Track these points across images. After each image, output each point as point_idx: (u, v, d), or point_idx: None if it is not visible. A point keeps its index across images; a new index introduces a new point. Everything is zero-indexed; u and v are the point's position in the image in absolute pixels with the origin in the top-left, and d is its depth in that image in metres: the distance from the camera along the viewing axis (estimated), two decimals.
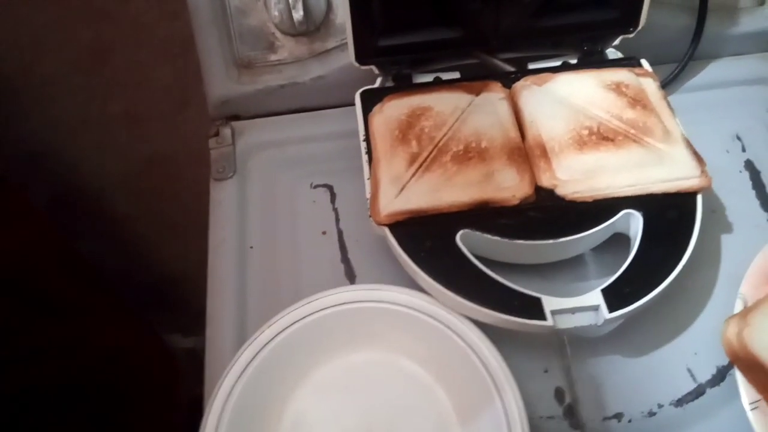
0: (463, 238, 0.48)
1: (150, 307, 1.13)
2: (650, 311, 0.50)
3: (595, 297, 0.45)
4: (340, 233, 0.57)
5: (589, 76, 0.56)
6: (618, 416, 0.47)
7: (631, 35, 0.59)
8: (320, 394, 0.48)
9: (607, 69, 0.57)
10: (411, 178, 0.51)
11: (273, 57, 0.63)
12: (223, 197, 0.61)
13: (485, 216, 0.49)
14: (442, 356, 0.47)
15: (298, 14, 0.59)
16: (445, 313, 0.47)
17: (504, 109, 0.55)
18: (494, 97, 0.56)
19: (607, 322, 0.45)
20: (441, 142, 0.53)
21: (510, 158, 0.51)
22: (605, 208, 0.49)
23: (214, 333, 0.54)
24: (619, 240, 0.51)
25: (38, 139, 0.93)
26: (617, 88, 0.55)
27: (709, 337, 0.49)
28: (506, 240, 0.48)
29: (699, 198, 0.50)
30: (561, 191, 0.50)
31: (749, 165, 0.60)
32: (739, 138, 0.62)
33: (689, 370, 0.49)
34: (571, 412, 0.47)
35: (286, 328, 0.48)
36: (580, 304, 0.45)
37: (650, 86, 0.56)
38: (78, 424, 0.82)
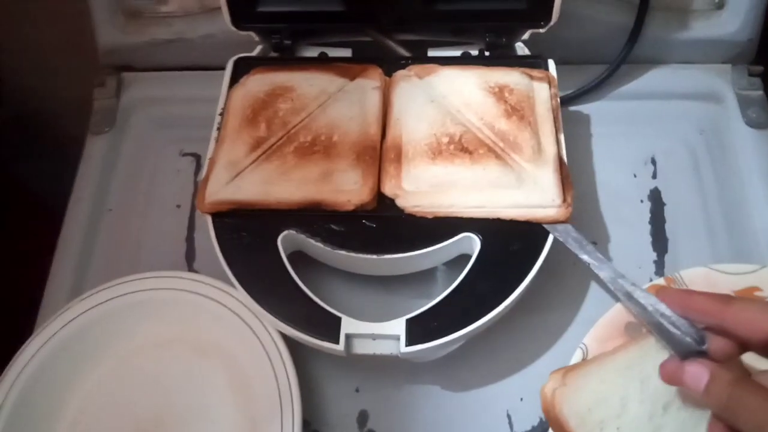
0: (285, 240, 0.45)
1: None
2: (486, 344, 0.46)
3: (397, 326, 0.41)
4: (192, 210, 0.55)
5: (475, 75, 0.50)
6: None
7: (542, 30, 0.52)
8: (112, 381, 0.46)
9: (499, 68, 0.50)
10: (249, 165, 0.47)
11: (162, 8, 0.59)
12: (94, 152, 0.59)
13: (315, 219, 0.45)
14: (241, 359, 0.45)
15: None
16: (252, 317, 0.45)
17: (374, 100, 0.50)
18: (369, 84, 0.51)
19: (407, 354, 0.41)
20: (293, 130, 0.48)
21: (358, 158, 0.47)
22: (446, 226, 0.44)
23: (51, 290, 0.52)
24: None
25: None
26: (500, 93, 0.49)
27: (540, 384, 0.45)
28: (328, 248, 0.44)
29: (550, 236, 0.44)
30: (402, 203, 0.45)
31: (654, 195, 0.53)
32: (653, 162, 0.55)
33: (509, 416, 0.45)
34: None
35: (81, 314, 0.46)
36: (380, 331, 0.41)
37: (542, 93, 0.49)
38: None
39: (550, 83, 0.50)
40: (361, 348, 0.42)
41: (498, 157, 0.46)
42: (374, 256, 0.44)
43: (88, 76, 0.87)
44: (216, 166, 0.47)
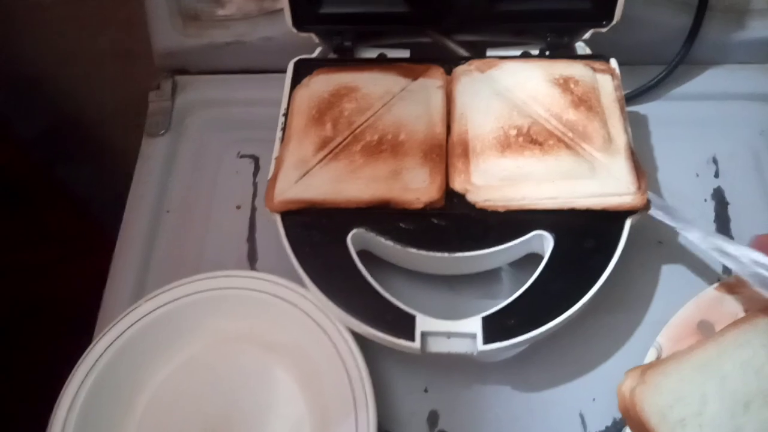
0: (355, 238, 0.45)
1: None
2: (556, 344, 0.46)
3: (473, 324, 0.41)
4: (253, 210, 0.55)
5: (538, 67, 0.50)
6: None
7: (604, 29, 0.52)
8: (181, 379, 0.46)
9: (561, 60, 0.50)
10: (317, 164, 0.47)
11: (221, 11, 0.60)
12: (151, 154, 0.59)
13: (384, 217, 0.45)
14: (311, 358, 0.45)
15: None
16: (322, 315, 0.45)
17: (438, 98, 0.50)
18: (432, 84, 0.51)
19: (484, 353, 0.41)
20: (359, 129, 0.48)
21: (425, 156, 0.47)
22: (518, 224, 0.44)
23: (112, 291, 0.52)
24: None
25: (32, 66, 0.93)
26: (565, 84, 0.49)
27: (613, 384, 0.44)
28: (399, 247, 0.44)
29: (627, 223, 0.44)
30: (472, 197, 0.45)
31: (718, 194, 0.53)
32: (715, 161, 0.55)
33: (581, 416, 0.44)
34: None
35: (149, 313, 0.46)
36: (456, 329, 0.41)
37: (606, 85, 0.49)
38: None
39: (612, 75, 0.50)
40: (437, 346, 0.41)
41: (569, 147, 0.46)
42: (445, 254, 0.44)
43: (132, 82, 0.88)
44: (284, 165, 0.47)
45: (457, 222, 0.45)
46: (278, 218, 0.46)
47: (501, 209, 0.44)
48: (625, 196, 0.44)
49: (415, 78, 0.51)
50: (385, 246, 0.45)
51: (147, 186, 0.57)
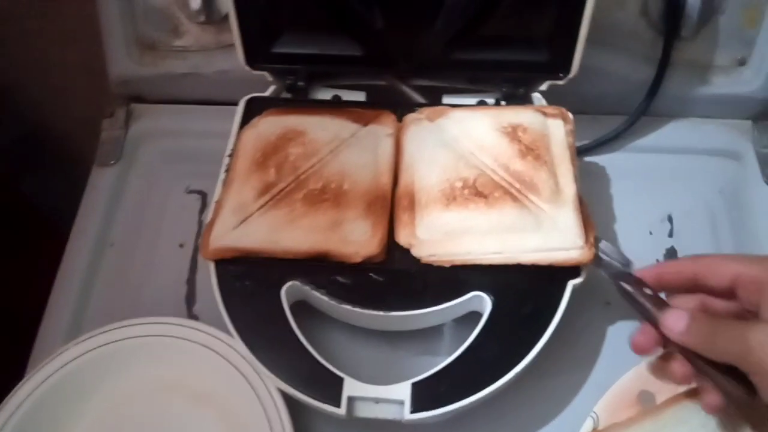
0: (290, 290, 0.43)
1: None
2: (491, 407, 0.44)
3: (402, 390, 0.39)
4: (195, 250, 0.53)
5: (486, 116, 0.49)
6: None
7: (562, 82, 0.51)
8: (103, 430, 0.45)
9: (512, 108, 0.50)
10: (256, 211, 0.46)
11: (177, 42, 0.58)
12: (99, 185, 0.58)
13: (321, 270, 0.44)
14: (238, 412, 0.43)
15: (195, 2, 0.53)
16: (251, 369, 0.43)
17: (386, 147, 0.49)
18: (382, 131, 0.50)
19: (411, 422, 0.39)
20: (303, 175, 0.47)
21: (368, 208, 0.45)
22: (458, 282, 0.43)
23: (47, 328, 0.51)
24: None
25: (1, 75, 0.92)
26: (513, 132, 0.48)
27: None
28: (333, 302, 0.43)
29: (569, 286, 0.42)
30: (417, 252, 0.44)
31: (670, 254, 0.52)
32: (670, 219, 0.54)
33: None
34: None
35: (77, 358, 0.45)
36: (384, 396, 0.40)
37: (557, 131, 0.48)
38: None
39: (564, 120, 0.49)
40: (364, 412, 0.40)
41: (515, 199, 0.44)
42: (381, 313, 0.42)
43: (99, 98, 0.87)
44: (222, 211, 0.46)
45: (396, 278, 0.44)
46: (212, 266, 0.45)
47: (446, 264, 0.43)
48: (572, 250, 0.43)
49: (365, 124, 0.50)
50: (320, 300, 0.43)
51: (92, 218, 0.56)
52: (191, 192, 0.57)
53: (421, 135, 0.49)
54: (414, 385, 0.40)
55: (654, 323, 0.38)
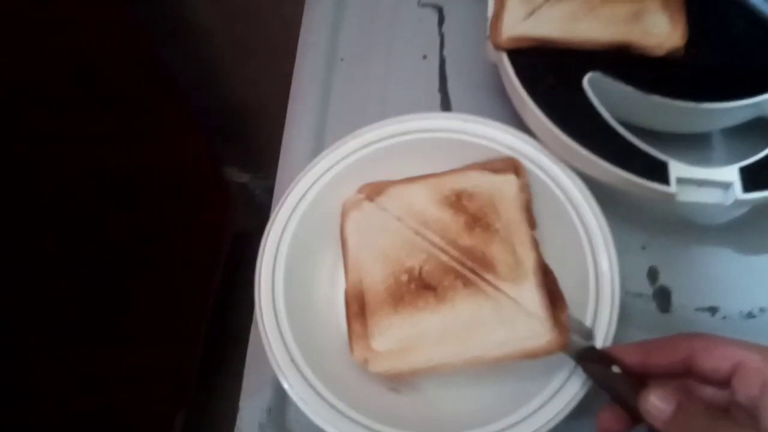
0: (591, 82, 0.42)
1: (213, 132, 1.11)
2: None
3: (730, 173, 0.39)
4: (442, 61, 0.51)
5: (426, 186, 0.43)
6: (712, 310, 0.42)
7: None
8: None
9: (453, 172, 0.43)
10: (545, 2, 0.44)
11: None
12: (318, 4, 0.55)
13: (622, 62, 0.42)
14: (536, 206, 0.43)
15: None
16: (548, 161, 0.42)
17: None
18: None
19: (736, 204, 0.39)
20: None
21: (666, 1, 0.43)
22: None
23: (289, 139, 0.50)
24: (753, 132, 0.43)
25: None
26: (457, 201, 0.41)
27: None
28: (641, 93, 0.41)
29: None
30: (374, 368, 0.37)
31: None
32: None
33: None
34: (662, 294, 0.43)
35: (367, 146, 0.43)
36: (710, 177, 0.39)
37: (509, 189, 0.41)
38: (114, 229, 0.81)
39: (516, 174, 0.42)
40: (687, 195, 0.39)
41: (468, 284, 0.38)
42: (692, 104, 0.41)
43: None
44: (508, 1, 0.44)
45: (700, 73, 0.42)
46: (504, 57, 0.43)
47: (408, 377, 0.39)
48: (540, 337, 0.36)
49: None
50: (622, 92, 0.42)
51: (318, 31, 0.54)
52: (424, 6, 0.54)
53: (363, 222, 0.42)
54: (741, 168, 0.39)
55: (627, 404, 0.32)
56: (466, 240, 0.40)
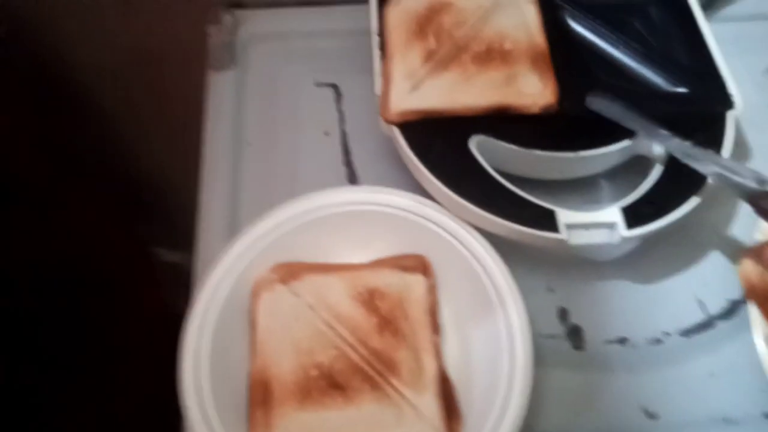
0: (477, 144, 0.45)
1: (134, 214, 1.09)
2: (661, 239, 0.47)
3: (612, 214, 0.42)
4: (343, 135, 0.54)
5: (341, 280, 0.44)
6: (622, 341, 0.45)
7: None
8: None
9: (368, 268, 0.44)
10: (427, 75, 0.47)
11: None
12: (221, 89, 0.57)
13: (503, 122, 0.46)
14: (444, 266, 0.45)
15: None
16: (450, 221, 0.44)
17: (531, 12, 0.50)
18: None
19: (624, 241, 0.42)
20: (462, 41, 0.48)
21: (534, 64, 0.47)
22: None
23: (205, 227, 0.51)
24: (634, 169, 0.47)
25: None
26: (370, 300, 0.42)
27: (722, 269, 0.47)
28: (523, 149, 0.45)
29: None
30: None
31: None
32: None
33: (699, 302, 0.47)
34: (574, 333, 0.45)
35: (281, 224, 0.45)
36: (595, 220, 0.42)
37: (417, 290, 0.43)
38: (51, 317, 0.78)
39: (424, 274, 0.44)
40: (577, 238, 0.42)
41: (375, 387, 0.39)
42: (571, 154, 0.45)
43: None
44: (394, 79, 0.47)
45: (574, 124, 0.46)
46: (396, 131, 0.46)
47: None
48: None
49: None
50: (506, 150, 0.45)
51: (222, 120, 0.55)
52: (321, 85, 0.57)
53: (274, 305, 0.42)
54: (623, 208, 0.43)
55: None
56: (376, 342, 0.41)
